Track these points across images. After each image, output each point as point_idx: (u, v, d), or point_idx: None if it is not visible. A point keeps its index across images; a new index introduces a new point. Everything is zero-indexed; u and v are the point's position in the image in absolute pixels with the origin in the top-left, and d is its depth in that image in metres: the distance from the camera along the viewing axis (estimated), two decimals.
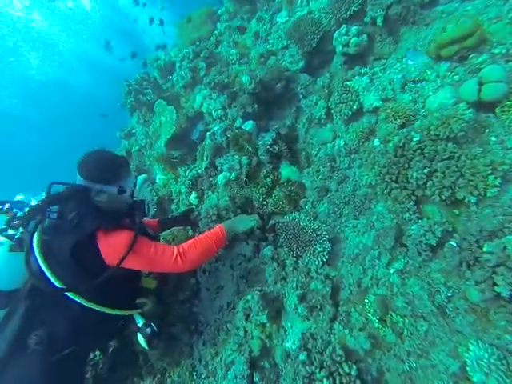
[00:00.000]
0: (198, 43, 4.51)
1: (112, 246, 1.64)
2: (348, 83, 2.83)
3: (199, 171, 3.14)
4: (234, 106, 3.02)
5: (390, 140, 2.38)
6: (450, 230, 1.93)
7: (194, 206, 3.08)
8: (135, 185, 2.02)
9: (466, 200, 1.88)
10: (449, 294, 1.80)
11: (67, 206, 1.65)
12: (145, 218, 3.09)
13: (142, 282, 2.29)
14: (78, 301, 1.61)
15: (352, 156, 2.74)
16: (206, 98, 3.43)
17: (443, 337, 1.76)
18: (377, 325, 1.94)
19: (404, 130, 2.39)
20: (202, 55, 4.01)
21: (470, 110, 2.03)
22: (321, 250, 2.25)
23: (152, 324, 2.09)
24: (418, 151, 2.14)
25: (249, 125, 2.89)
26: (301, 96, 3.15)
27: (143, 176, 4.08)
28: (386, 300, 2.01)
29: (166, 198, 3.70)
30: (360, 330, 1.96)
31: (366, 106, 2.69)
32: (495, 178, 1.77)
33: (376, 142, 2.59)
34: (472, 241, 1.61)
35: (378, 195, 2.40)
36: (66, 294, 1.58)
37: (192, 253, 1.85)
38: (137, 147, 4.26)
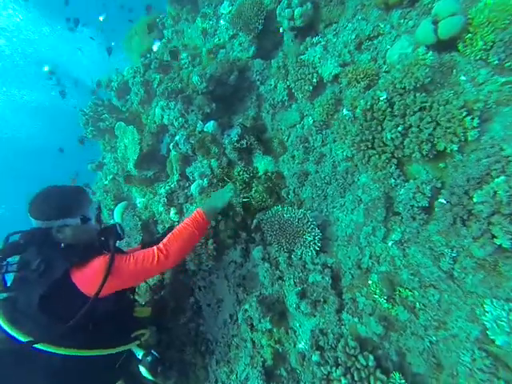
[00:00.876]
0: (148, 55, 4.32)
1: (90, 277, 1.52)
2: (302, 57, 2.65)
3: (172, 186, 2.97)
4: (192, 110, 2.84)
5: (357, 105, 2.21)
6: (439, 185, 1.77)
7: (176, 223, 2.92)
8: (99, 209, 1.89)
9: (448, 150, 1.71)
10: (453, 255, 1.64)
11: (28, 255, 1.50)
12: (129, 247, 2.97)
13: (135, 313, 2.16)
14: (57, 352, 1.44)
15: (324, 132, 2.57)
16: (164, 109, 3.25)
17: (457, 302, 1.61)
18: (386, 305, 1.79)
19: (369, 91, 2.22)
20: (152, 66, 3.83)
21: (431, 53, 1.85)
22: (311, 238, 2.09)
23: (152, 351, 1.98)
24: (388, 110, 1.98)
25: (210, 125, 2.71)
26: (258, 83, 2.96)
27: (124, 203, 3.90)
28: (391, 276, 1.87)
29: (151, 220, 3.54)
30: (370, 314, 1.81)
31: (326, 76, 2.52)
32: (472, 118, 1.59)
33: (344, 110, 2.41)
34: (461, 193, 1.44)
35: (359, 166, 2.23)
36: (41, 348, 1.41)
37: (174, 246, 1.77)
38: (110, 176, 4.08)
